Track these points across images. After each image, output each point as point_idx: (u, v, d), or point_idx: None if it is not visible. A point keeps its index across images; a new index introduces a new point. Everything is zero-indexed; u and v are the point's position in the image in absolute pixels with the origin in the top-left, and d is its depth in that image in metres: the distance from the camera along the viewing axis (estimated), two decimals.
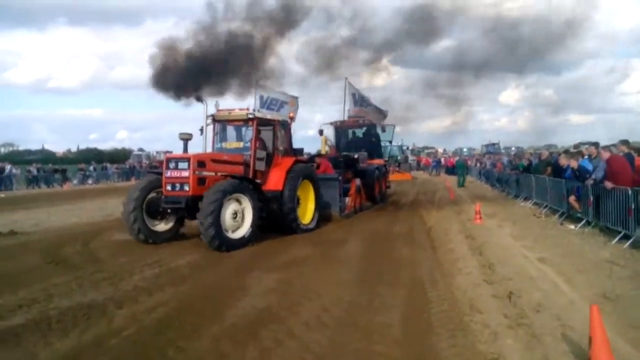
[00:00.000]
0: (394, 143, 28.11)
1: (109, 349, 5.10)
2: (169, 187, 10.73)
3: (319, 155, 17.55)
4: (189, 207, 10.42)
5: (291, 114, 14.06)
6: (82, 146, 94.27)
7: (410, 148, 58.37)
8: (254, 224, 10.60)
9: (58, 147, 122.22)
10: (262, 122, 12.21)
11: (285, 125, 13.04)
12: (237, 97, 15.62)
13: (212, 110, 12.31)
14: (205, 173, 10.76)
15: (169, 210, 11.00)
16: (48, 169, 38.43)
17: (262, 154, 12.01)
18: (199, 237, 10.33)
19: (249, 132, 12.18)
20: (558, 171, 14.26)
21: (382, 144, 22.64)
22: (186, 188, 10.54)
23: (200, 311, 6.31)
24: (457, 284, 7.26)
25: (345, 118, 22.05)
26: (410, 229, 12.95)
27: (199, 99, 12.45)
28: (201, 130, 12.23)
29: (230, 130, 12.78)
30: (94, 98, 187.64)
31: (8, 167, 35.02)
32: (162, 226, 11.31)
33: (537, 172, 16.86)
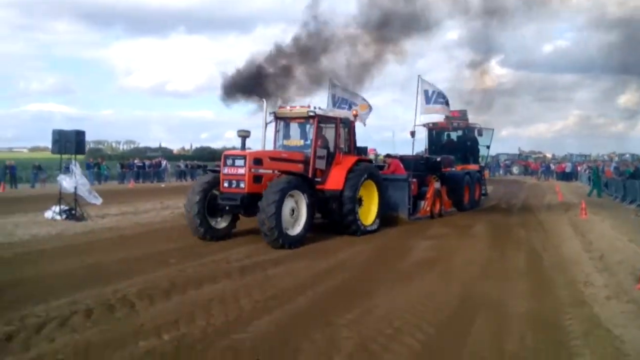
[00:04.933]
0: None
1: (348, 266, 8.91)
2: (225, 184, 10.76)
3: (389, 155, 16.95)
4: (245, 205, 10.47)
5: (354, 112, 13.83)
6: (195, 145, 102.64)
7: (518, 153, 59.22)
8: (308, 222, 10.69)
9: (173, 145, 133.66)
10: (324, 120, 12.20)
11: (348, 124, 12.89)
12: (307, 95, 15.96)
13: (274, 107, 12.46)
14: (261, 171, 10.71)
15: (227, 208, 10.92)
16: (192, 164, 44.75)
17: (322, 152, 11.94)
18: (257, 233, 10.74)
19: (311, 130, 12.02)
20: None
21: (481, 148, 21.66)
22: (242, 185, 10.50)
23: (389, 256, 10.03)
24: (562, 251, 10.36)
25: (418, 117, 20.08)
26: (524, 220, 15.83)
27: (260, 96, 12.51)
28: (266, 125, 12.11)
29: (294, 128, 12.74)
30: (206, 100, 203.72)
31: (164, 162, 41.64)
32: (221, 223, 11.38)
33: None
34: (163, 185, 34.98)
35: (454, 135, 21.46)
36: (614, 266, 8.68)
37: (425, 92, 17.33)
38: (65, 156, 14.89)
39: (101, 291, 6.83)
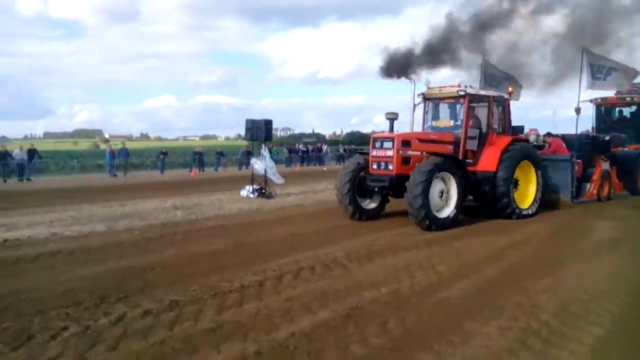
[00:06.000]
0: None
1: (529, 243, 9.26)
2: (374, 166, 11.21)
3: (550, 134, 15.80)
4: (394, 186, 10.73)
5: (510, 89, 13.28)
6: (345, 130, 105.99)
7: None
8: (458, 205, 10.64)
9: (325, 130, 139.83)
10: (475, 99, 11.94)
11: (502, 102, 12.42)
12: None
13: (422, 88, 12.35)
14: (409, 152, 10.89)
15: (375, 189, 11.36)
16: (350, 149, 46.79)
17: (474, 132, 11.60)
18: (404, 215, 10.77)
19: (462, 110, 11.83)
20: None
21: None
22: (390, 167, 10.84)
23: (569, 235, 10.16)
24: None
25: (581, 95, 16.96)
26: None
27: (407, 77, 12.40)
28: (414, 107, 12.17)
29: (444, 109, 12.54)
30: (356, 86, 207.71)
31: (324, 147, 44.24)
32: (370, 204, 11.94)
33: None
34: (325, 169, 37.28)
35: (626, 112, 19.48)
36: None
37: (591, 65, 15.53)
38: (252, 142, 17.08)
39: (314, 253, 8.17)
